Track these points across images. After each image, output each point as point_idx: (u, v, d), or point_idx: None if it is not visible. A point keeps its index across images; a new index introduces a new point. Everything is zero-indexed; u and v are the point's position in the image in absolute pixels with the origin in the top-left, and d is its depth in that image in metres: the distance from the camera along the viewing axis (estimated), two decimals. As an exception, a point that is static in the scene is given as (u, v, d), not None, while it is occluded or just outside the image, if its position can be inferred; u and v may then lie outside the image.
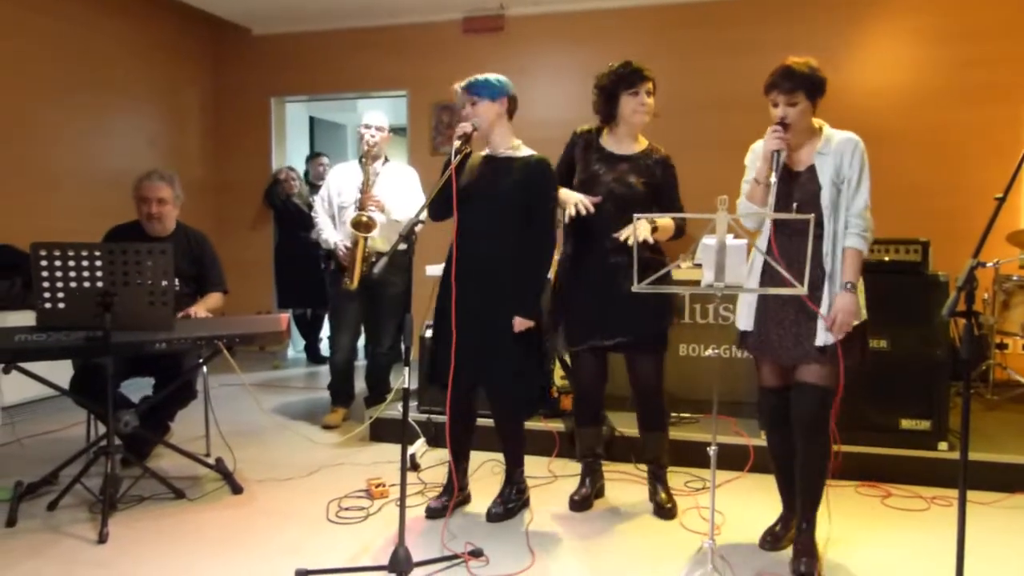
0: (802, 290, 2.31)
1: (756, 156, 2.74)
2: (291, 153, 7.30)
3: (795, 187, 2.69)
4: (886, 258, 3.56)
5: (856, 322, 2.59)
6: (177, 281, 3.38)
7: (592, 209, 2.96)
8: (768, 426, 2.88)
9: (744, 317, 2.78)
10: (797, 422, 2.66)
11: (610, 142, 3.17)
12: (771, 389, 2.80)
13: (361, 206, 4.22)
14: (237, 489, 3.36)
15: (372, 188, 4.26)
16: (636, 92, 3.05)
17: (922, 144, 4.96)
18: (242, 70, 7.02)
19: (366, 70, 6.70)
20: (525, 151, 3.04)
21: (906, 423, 3.55)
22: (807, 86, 2.58)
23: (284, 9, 6.42)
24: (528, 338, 2.97)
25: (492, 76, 3.00)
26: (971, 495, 3.19)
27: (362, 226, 4.18)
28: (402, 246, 2.50)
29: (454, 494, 3.15)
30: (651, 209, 3.02)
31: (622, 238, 2.93)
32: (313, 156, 6.99)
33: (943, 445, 3.51)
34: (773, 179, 2.57)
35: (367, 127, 4.35)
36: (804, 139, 2.70)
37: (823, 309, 2.60)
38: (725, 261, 2.29)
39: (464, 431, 3.16)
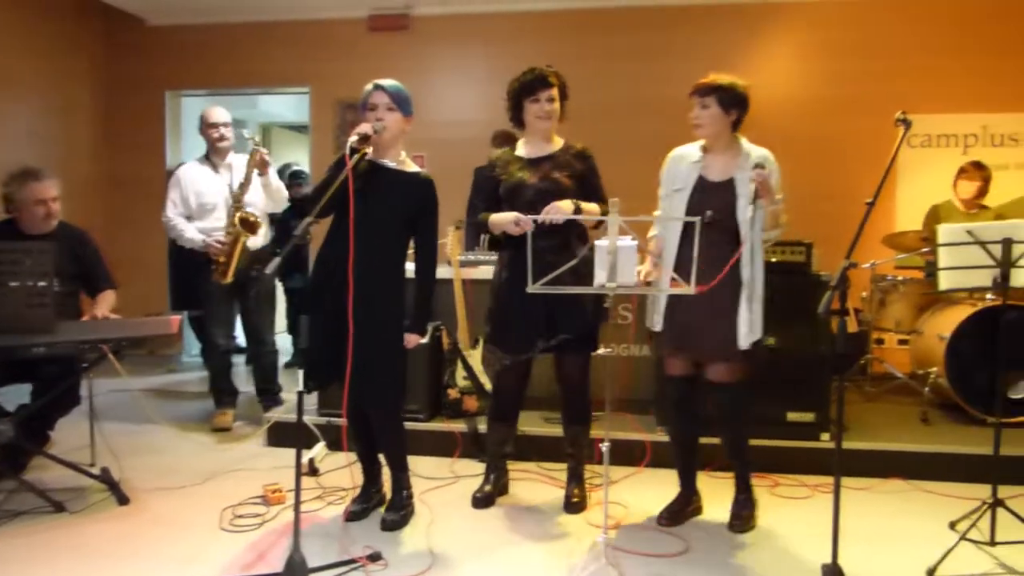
0: (689, 289, 2.40)
1: (673, 165, 2.99)
2: (188, 149, 7.03)
3: (711, 196, 2.87)
4: (773, 259, 3.72)
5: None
6: (56, 281, 3.20)
7: (532, 225, 2.90)
8: (675, 412, 3.11)
9: (658, 318, 2.98)
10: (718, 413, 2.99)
11: (526, 149, 3.19)
12: (680, 378, 3.03)
13: (237, 203, 4.18)
14: (123, 500, 3.21)
15: (248, 187, 4.23)
16: (537, 99, 3.06)
17: (806, 151, 5.23)
18: (136, 62, 6.71)
19: (267, 65, 6.53)
20: (412, 167, 3.00)
21: (792, 415, 3.73)
22: (719, 94, 2.83)
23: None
24: (400, 345, 2.93)
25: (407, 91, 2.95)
26: (849, 481, 3.41)
27: (249, 225, 4.15)
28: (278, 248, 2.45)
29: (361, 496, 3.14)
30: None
31: (543, 219, 2.91)
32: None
33: (825, 435, 3.71)
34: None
35: (215, 126, 4.35)
36: (721, 149, 2.90)
37: (740, 317, 2.83)
38: (616, 262, 2.36)
39: (363, 435, 3.12)
